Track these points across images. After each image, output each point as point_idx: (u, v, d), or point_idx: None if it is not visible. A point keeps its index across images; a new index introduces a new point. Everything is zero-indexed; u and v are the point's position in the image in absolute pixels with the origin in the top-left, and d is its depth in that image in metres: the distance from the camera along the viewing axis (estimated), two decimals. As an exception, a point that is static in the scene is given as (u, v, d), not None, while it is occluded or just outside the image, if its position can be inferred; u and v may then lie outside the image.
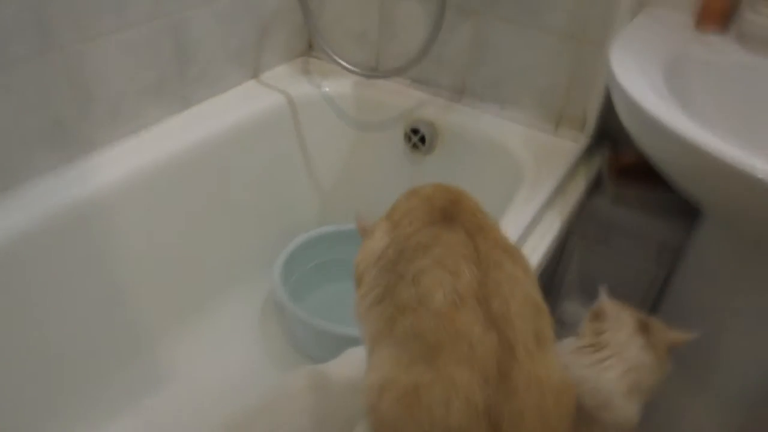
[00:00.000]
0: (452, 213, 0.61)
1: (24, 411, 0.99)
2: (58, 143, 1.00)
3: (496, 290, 0.51)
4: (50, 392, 1.02)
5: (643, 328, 0.71)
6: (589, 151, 1.15)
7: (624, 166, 1.10)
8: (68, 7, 0.93)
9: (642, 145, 0.82)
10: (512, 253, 0.56)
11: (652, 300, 1.17)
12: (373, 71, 1.37)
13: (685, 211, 0.96)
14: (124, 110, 1.08)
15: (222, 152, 1.22)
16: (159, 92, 1.14)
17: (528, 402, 0.46)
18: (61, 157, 1.01)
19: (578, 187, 1.09)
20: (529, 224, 0.98)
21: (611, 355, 0.67)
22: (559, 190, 1.05)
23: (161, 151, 1.11)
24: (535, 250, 0.96)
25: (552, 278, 1.29)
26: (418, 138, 1.33)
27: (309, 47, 1.47)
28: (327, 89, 1.38)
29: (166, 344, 1.20)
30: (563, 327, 1.07)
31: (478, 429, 0.45)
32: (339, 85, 1.38)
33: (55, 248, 0.97)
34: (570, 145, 1.16)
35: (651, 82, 0.80)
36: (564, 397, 0.50)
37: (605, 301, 0.74)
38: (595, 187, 1.17)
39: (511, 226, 0.96)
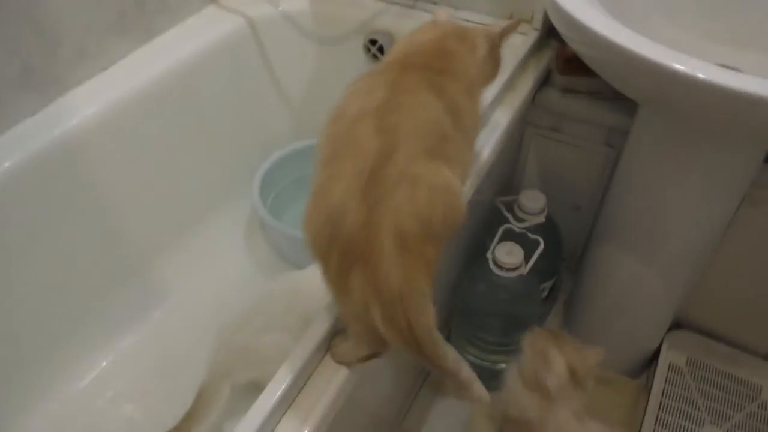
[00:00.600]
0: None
1: (33, 335, 1.10)
2: (31, 88, 1.04)
3: (397, 109, 0.61)
4: (57, 316, 1.13)
5: (572, 373, 0.87)
6: (538, 45, 1.20)
7: (570, 57, 1.15)
8: None
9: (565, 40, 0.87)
10: (440, 89, 0.65)
11: (607, 178, 1.25)
12: (327, -15, 1.40)
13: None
14: (90, 49, 1.12)
15: (190, 79, 1.26)
16: (121, 27, 1.17)
17: (396, 193, 0.57)
18: (36, 102, 1.06)
19: (528, 80, 1.15)
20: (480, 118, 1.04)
21: None
22: (509, 84, 1.11)
23: (131, 83, 1.15)
24: (487, 144, 1.02)
25: (513, 167, 1.37)
26: (376, 48, 1.37)
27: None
28: (285, 7, 1.41)
29: (160, 263, 1.30)
30: (520, 221, 1.16)
31: (356, 208, 0.57)
32: (296, 2, 1.41)
33: (43, 185, 1.04)
34: (520, 39, 1.21)
35: None
36: (442, 195, 0.59)
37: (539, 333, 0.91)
38: (546, 79, 1.23)
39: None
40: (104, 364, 1.19)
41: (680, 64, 0.69)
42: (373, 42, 1.37)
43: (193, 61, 1.26)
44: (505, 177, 1.36)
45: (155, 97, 1.19)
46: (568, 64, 1.16)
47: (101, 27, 1.13)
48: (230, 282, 1.33)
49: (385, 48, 1.37)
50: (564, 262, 1.39)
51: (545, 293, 1.32)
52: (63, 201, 1.08)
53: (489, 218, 1.26)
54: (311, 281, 0.97)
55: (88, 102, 1.10)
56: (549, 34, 1.20)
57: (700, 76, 0.68)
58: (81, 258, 1.14)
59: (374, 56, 1.39)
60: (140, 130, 1.18)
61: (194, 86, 1.28)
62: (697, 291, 1.24)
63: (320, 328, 0.73)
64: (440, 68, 0.68)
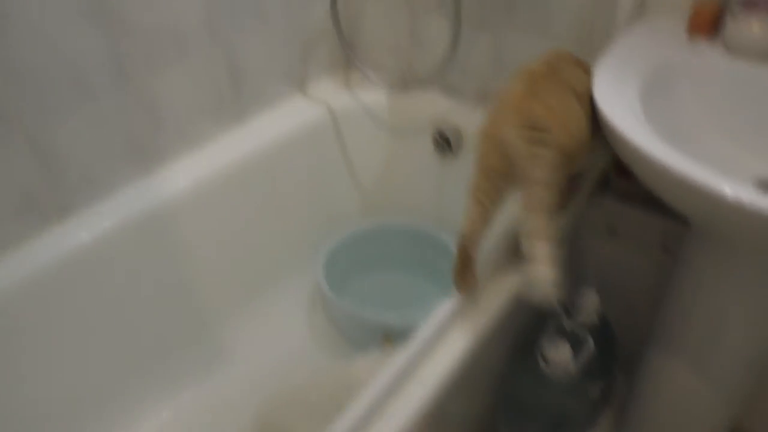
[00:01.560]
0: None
1: (99, 387, 1.17)
2: (136, 159, 1.17)
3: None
4: (125, 369, 1.20)
5: None
6: (593, 150, 1.24)
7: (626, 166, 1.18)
8: (139, 44, 1.10)
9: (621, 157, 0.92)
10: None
11: (663, 282, 1.25)
12: (404, 81, 1.51)
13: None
14: (189, 128, 1.25)
15: (273, 160, 1.37)
16: (217, 111, 1.30)
17: None
18: (138, 170, 1.18)
19: (588, 185, 1.20)
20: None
21: None
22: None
23: (221, 161, 1.27)
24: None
25: (568, 264, 1.38)
26: (445, 142, 1.46)
27: (348, 61, 1.61)
28: (364, 99, 1.52)
29: (226, 329, 1.37)
30: (572, 319, 1.17)
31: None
32: (374, 95, 1.52)
33: (135, 247, 1.14)
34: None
35: (625, 97, 0.89)
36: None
37: None
38: (604, 181, 1.27)
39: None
40: (164, 415, 1.25)
41: (723, 187, 0.71)
42: (442, 136, 1.46)
43: (278, 145, 1.38)
44: (561, 273, 1.37)
45: (240, 174, 1.31)
46: (624, 169, 1.19)
47: (200, 109, 1.26)
48: (289, 352, 1.38)
49: (452, 141, 1.44)
50: (618, 363, 1.37)
51: (596, 394, 1.30)
52: (148, 262, 1.18)
53: (541, 312, 1.27)
54: (359, 377, 1.02)
55: (181, 175, 1.22)
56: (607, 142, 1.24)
57: (745, 201, 0.69)
58: (155, 318, 1.23)
59: (442, 149, 1.47)
60: (223, 204, 1.28)
61: (276, 167, 1.39)
62: (755, 399, 1.20)
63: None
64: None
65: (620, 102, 0.89)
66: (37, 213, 1.05)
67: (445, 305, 0.93)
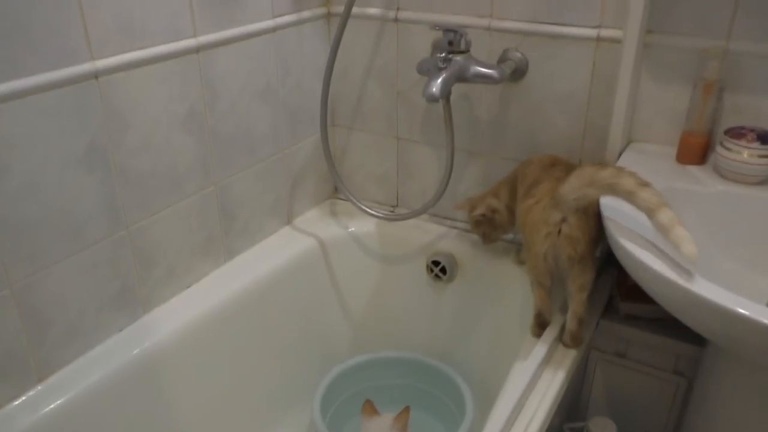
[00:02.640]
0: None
1: None
2: (124, 305, 1.14)
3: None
4: None
5: None
6: (598, 275, 1.25)
7: (632, 285, 1.19)
8: (134, 188, 1.10)
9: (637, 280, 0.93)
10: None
11: (679, 406, 1.23)
12: (393, 211, 1.52)
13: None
14: (178, 269, 1.23)
15: (263, 296, 1.35)
16: (207, 249, 1.29)
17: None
18: (126, 317, 1.14)
19: (592, 307, 1.19)
20: (550, 348, 1.07)
21: None
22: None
23: (210, 301, 1.24)
24: (557, 372, 1.05)
25: (578, 395, 1.35)
26: (438, 269, 1.45)
27: (335, 190, 1.63)
28: (353, 229, 1.53)
29: None
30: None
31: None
32: (363, 225, 1.53)
33: (120, 400, 1.09)
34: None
35: (634, 221, 0.92)
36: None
37: None
38: (608, 306, 1.27)
39: (532, 353, 1.06)
40: None
41: (743, 308, 0.73)
42: (435, 263, 1.45)
43: (267, 280, 1.35)
44: (572, 402, 1.34)
45: (230, 313, 1.27)
46: (630, 291, 1.20)
47: (191, 249, 1.25)
48: None
49: (447, 269, 1.44)
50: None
51: None
52: (136, 413, 1.11)
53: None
54: None
55: (169, 319, 1.18)
56: (607, 261, 1.25)
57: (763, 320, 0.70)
58: None
59: (436, 276, 1.46)
60: (213, 345, 1.24)
61: (266, 303, 1.36)
62: None
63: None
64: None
65: (632, 227, 0.91)
66: (19, 373, 0.99)
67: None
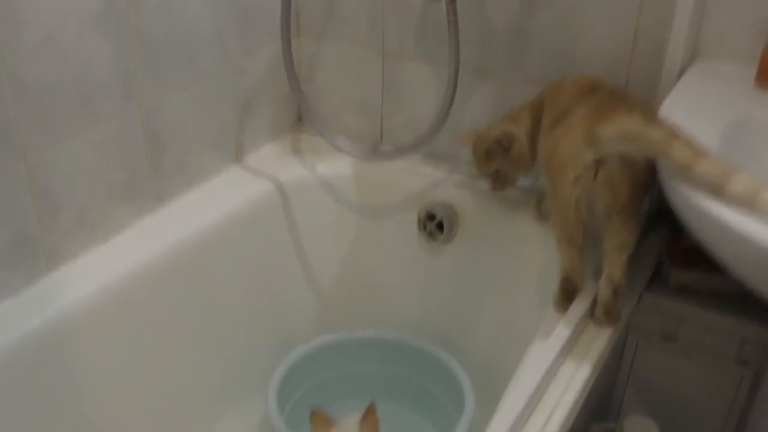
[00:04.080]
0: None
1: None
2: (21, 261, 1.11)
3: None
4: None
5: None
6: (644, 234, 1.24)
7: (688, 249, 1.17)
8: (31, 110, 1.06)
9: (696, 236, 0.91)
10: None
11: (743, 404, 1.24)
12: (376, 148, 1.49)
13: None
14: (92, 215, 1.20)
15: (203, 255, 1.33)
16: (130, 191, 1.26)
17: None
18: (23, 278, 1.12)
19: (635, 278, 1.18)
20: (577, 326, 1.06)
21: None
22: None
23: (134, 259, 1.22)
24: (585, 359, 1.04)
25: (611, 389, 1.35)
26: (434, 225, 1.43)
27: (299, 120, 1.60)
28: (322, 170, 1.50)
29: None
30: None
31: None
32: (336, 165, 1.50)
33: (20, 377, 1.07)
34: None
35: None
36: None
37: None
38: (655, 275, 1.26)
39: (553, 333, 1.04)
40: None
41: None
42: (430, 217, 1.43)
43: (207, 234, 1.33)
44: (603, 396, 1.34)
45: (160, 276, 1.25)
46: (685, 256, 1.20)
47: (108, 190, 1.22)
48: None
49: (445, 225, 1.42)
50: None
51: None
52: (36, 400, 1.10)
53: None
54: None
55: (81, 280, 1.16)
56: (657, 217, 1.24)
57: None
58: None
59: (430, 234, 1.45)
60: (139, 316, 1.22)
61: (207, 264, 1.34)
62: None
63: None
64: None
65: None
66: None
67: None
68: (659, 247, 1.25)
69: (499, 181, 1.30)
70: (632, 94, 1.19)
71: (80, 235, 1.19)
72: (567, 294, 1.12)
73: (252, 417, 1.45)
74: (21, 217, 1.09)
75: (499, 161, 1.27)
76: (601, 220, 1.04)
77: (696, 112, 1.02)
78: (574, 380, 1.01)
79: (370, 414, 1.10)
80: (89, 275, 1.17)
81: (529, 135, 1.23)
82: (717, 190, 0.85)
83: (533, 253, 1.31)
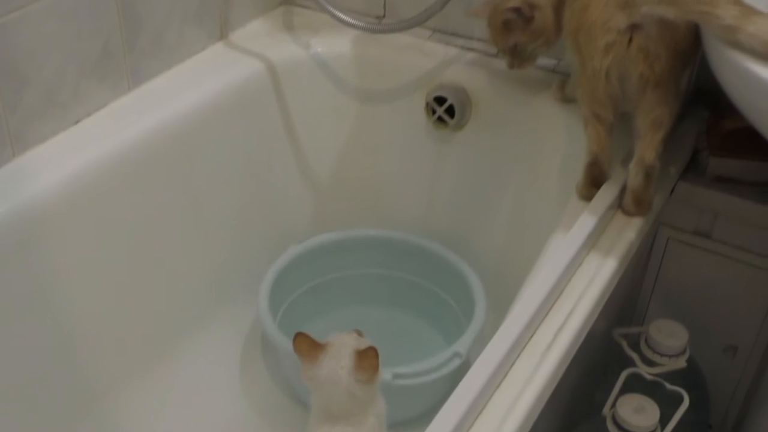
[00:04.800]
0: None
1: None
2: None
3: None
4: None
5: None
6: (680, 118, 1.24)
7: (728, 133, 1.17)
8: None
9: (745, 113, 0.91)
10: None
11: None
12: (379, 22, 1.47)
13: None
14: (61, 95, 1.19)
15: (184, 142, 1.32)
16: (103, 68, 1.25)
17: None
18: None
19: (669, 166, 1.18)
20: (602, 216, 1.07)
21: None
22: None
23: (108, 144, 1.22)
24: (610, 253, 1.05)
25: (637, 290, 1.37)
26: (444, 109, 1.43)
27: (290, -7, 1.57)
28: (318, 49, 1.48)
29: (125, 394, 1.31)
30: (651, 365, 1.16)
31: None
32: (334, 43, 1.48)
33: None
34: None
35: None
36: None
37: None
38: (690, 164, 1.26)
39: (576, 223, 1.05)
40: None
41: None
42: (439, 101, 1.43)
43: (189, 118, 1.33)
44: (627, 297, 1.36)
45: (136, 164, 1.25)
46: (725, 143, 1.19)
47: (77, 68, 1.21)
48: (216, 426, 1.34)
49: (456, 109, 1.41)
50: (711, 430, 1.36)
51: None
52: (5, 295, 1.11)
53: (604, 359, 1.26)
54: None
55: (51, 166, 1.16)
56: (695, 99, 1.23)
57: None
58: (14, 384, 1.15)
59: (439, 119, 1.45)
60: (113, 209, 1.23)
61: (189, 152, 1.34)
62: None
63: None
64: None
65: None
66: None
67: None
68: (696, 133, 1.25)
69: (518, 57, 1.28)
70: None
71: (49, 117, 1.18)
72: (593, 180, 1.13)
73: (241, 322, 1.48)
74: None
75: (519, 34, 1.25)
76: (635, 93, 1.04)
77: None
78: (597, 277, 1.02)
79: (369, 356, 0.98)
80: (59, 161, 1.16)
81: (553, 4, 1.21)
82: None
83: (555, 141, 1.32)
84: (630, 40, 1.00)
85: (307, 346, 0.97)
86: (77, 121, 1.23)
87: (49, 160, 1.17)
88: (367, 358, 0.94)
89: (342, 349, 0.96)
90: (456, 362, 1.21)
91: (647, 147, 1.06)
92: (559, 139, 1.30)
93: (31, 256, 1.13)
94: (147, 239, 1.30)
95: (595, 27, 1.03)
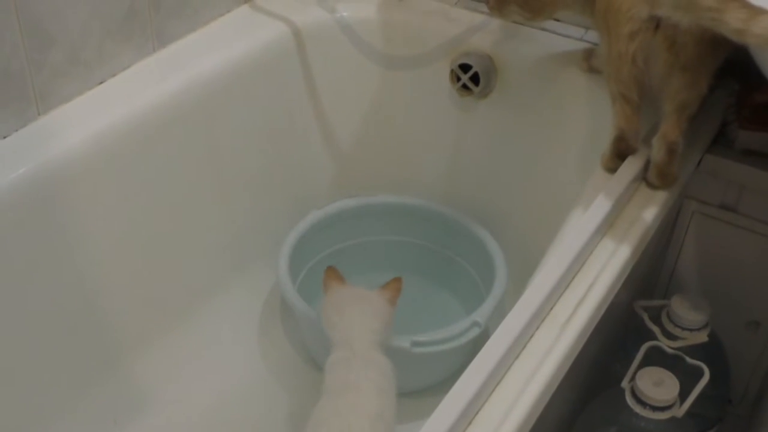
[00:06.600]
0: None
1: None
2: (7, 103, 1.11)
3: None
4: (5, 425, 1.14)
5: None
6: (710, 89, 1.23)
7: (758, 106, 1.16)
8: None
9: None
10: None
11: None
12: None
13: None
14: (86, 55, 1.20)
15: (207, 104, 1.33)
16: (128, 30, 1.25)
17: None
18: (12, 122, 1.13)
19: (696, 138, 1.18)
20: (627, 188, 1.06)
21: None
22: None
23: (132, 105, 1.22)
24: (634, 225, 1.05)
25: (662, 258, 1.37)
26: (468, 76, 1.42)
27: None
28: (344, 13, 1.48)
29: (144, 356, 1.33)
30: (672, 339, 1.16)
31: None
32: (359, 8, 1.48)
33: (4, 232, 1.09)
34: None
35: None
36: None
37: None
38: (718, 136, 1.25)
39: (600, 194, 1.05)
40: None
41: None
42: (465, 68, 1.42)
43: (215, 81, 1.33)
44: (650, 271, 1.36)
45: (161, 125, 1.26)
46: (755, 115, 1.18)
47: (103, 27, 1.21)
48: (233, 387, 1.36)
49: (481, 77, 1.41)
50: (731, 405, 1.37)
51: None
52: (28, 252, 1.12)
53: (624, 332, 1.26)
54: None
55: (75, 126, 1.16)
56: (724, 70, 1.22)
57: None
58: (39, 345, 1.17)
59: (464, 87, 1.44)
60: (138, 170, 1.24)
61: (212, 115, 1.34)
62: None
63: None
64: None
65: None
66: None
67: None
68: (726, 105, 1.24)
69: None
70: None
71: (73, 76, 1.19)
72: (619, 154, 1.12)
73: (261, 285, 1.49)
74: (7, 52, 1.08)
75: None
76: (661, 78, 1.04)
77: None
78: (619, 250, 1.02)
79: (394, 283, 1.16)
80: (83, 121, 1.17)
81: None
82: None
83: (580, 111, 1.31)
84: (657, 27, 1.00)
85: (335, 277, 1.17)
86: (101, 82, 1.24)
87: (74, 120, 1.17)
88: (393, 282, 1.15)
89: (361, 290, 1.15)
90: (475, 331, 1.21)
91: (672, 127, 1.07)
92: (585, 110, 1.29)
93: (55, 215, 1.14)
94: (168, 200, 1.31)
95: (620, 13, 1.03)
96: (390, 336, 1.12)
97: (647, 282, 1.38)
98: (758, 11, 0.85)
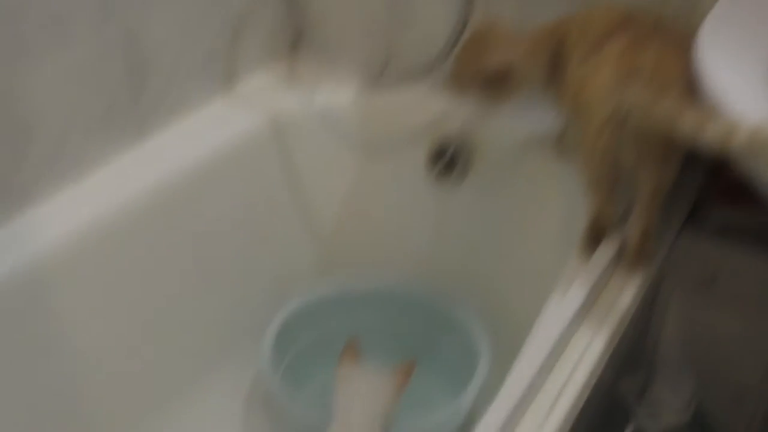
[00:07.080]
0: None
1: None
2: None
3: None
4: None
5: None
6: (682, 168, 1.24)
7: (732, 182, 1.18)
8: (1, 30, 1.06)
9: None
10: None
11: None
12: (383, 73, 1.48)
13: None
14: (66, 151, 1.21)
15: (189, 194, 1.34)
16: (109, 123, 1.27)
17: None
18: None
19: (670, 216, 1.19)
20: (604, 271, 1.07)
21: None
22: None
23: (114, 197, 1.24)
24: (613, 308, 1.06)
25: (643, 340, 1.37)
26: (445, 161, 1.44)
27: (294, 45, 1.58)
28: (321, 101, 1.49)
29: None
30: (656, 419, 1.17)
31: None
32: (337, 95, 1.50)
33: None
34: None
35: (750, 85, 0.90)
36: None
37: None
38: (692, 213, 1.26)
39: (576, 279, 1.06)
40: None
41: None
42: (442, 152, 1.44)
43: (193, 172, 1.35)
44: (632, 349, 1.36)
45: (142, 216, 1.27)
46: (730, 190, 1.21)
47: (83, 122, 1.22)
48: None
49: (457, 161, 1.43)
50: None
51: None
52: (7, 355, 1.11)
53: (606, 412, 1.25)
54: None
55: (58, 221, 1.17)
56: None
57: None
58: (26, 423, 1.16)
59: (441, 173, 1.46)
60: (119, 263, 1.24)
61: (194, 204, 1.36)
62: None
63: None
64: None
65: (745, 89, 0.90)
66: None
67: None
68: (700, 181, 1.25)
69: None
70: (667, 22, 1.16)
71: (55, 172, 1.20)
72: (595, 237, 1.13)
73: (244, 373, 1.47)
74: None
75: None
76: (633, 165, 1.06)
77: (742, 33, 1.01)
78: (600, 330, 1.03)
79: (409, 366, 1.18)
80: (66, 215, 1.18)
81: (547, 50, 1.21)
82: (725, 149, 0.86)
83: (557, 193, 1.32)
84: (626, 119, 1.01)
85: (353, 351, 1.19)
86: (83, 175, 1.24)
87: (57, 214, 1.18)
88: (406, 366, 1.16)
89: (375, 369, 1.16)
90: (457, 419, 1.22)
91: (645, 210, 1.08)
92: (562, 191, 1.30)
93: (39, 309, 1.15)
94: (150, 291, 1.31)
95: (591, 103, 1.05)
96: (391, 421, 1.11)
97: (630, 360, 1.38)
98: (709, 116, 0.88)
